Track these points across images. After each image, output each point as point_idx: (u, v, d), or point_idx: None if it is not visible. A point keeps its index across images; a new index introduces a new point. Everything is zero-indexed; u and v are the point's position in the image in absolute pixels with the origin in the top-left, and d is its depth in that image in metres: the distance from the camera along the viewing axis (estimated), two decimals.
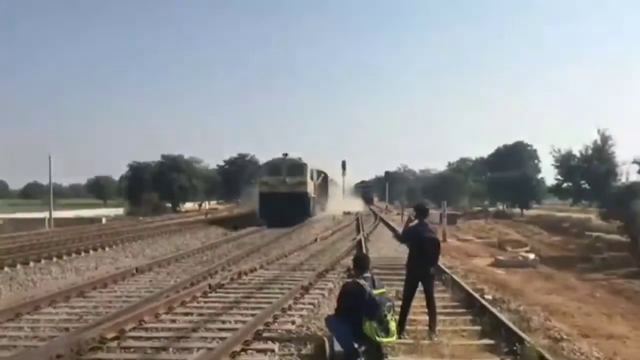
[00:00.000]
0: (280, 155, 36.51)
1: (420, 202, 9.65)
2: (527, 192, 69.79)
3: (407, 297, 8.68)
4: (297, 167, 35.98)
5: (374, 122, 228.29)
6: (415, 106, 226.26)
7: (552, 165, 52.60)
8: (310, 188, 37.43)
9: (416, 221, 8.77)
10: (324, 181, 46.17)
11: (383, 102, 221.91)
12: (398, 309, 8.13)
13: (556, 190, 54.59)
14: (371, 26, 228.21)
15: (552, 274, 22.56)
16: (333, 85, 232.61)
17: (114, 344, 7.87)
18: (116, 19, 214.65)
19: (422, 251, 8.50)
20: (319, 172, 42.89)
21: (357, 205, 58.27)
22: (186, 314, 9.79)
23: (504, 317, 9.15)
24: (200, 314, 9.76)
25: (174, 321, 9.27)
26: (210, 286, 12.13)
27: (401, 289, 11.49)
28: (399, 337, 7.70)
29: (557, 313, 12.47)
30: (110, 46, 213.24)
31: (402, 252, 20.71)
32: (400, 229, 30.46)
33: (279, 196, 33.90)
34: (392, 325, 6.88)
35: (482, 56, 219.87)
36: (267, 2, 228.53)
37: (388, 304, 6.93)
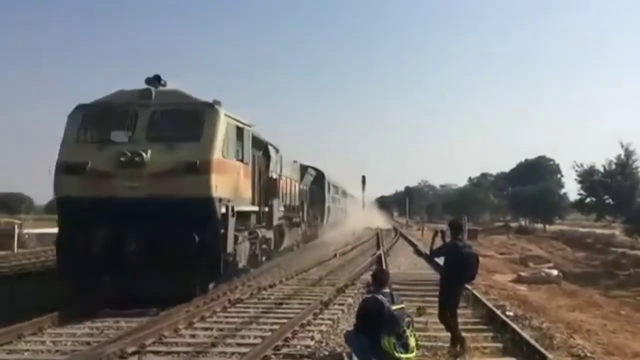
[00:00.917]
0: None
1: (454, 219, 9.68)
2: (549, 207, 69.07)
3: (453, 313, 8.64)
4: (192, 118, 12.19)
5: (394, 137, 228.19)
6: (436, 121, 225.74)
7: (575, 180, 52.09)
8: (253, 188, 14.91)
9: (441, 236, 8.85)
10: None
11: (403, 117, 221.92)
12: (418, 325, 8.08)
13: (579, 205, 54.00)
14: (384, 39, 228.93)
15: (575, 290, 22.20)
16: (354, 99, 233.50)
17: (135, 358, 7.91)
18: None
19: (462, 267, 8.46)
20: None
21: (377, 220, 58.07)
22: (206, 329, 9.82)
23: (526, 334, 9.02)
24: (220, 329, 9.78)
25: (193, 336, 9.30)
26: (229, 301, 12.16)
27: (422, 304, 11.50)
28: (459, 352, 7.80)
29: (581, 330, 12.22)
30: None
31: (421, 267, 20.63)
32: (420, 244, 30.38)
33: (116, 211, 11.30)
34: (412, 341, 6.83)
35: (507, 70, 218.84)
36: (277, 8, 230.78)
37: (407, 319, 6.89)
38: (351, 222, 47.42)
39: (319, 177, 33.51)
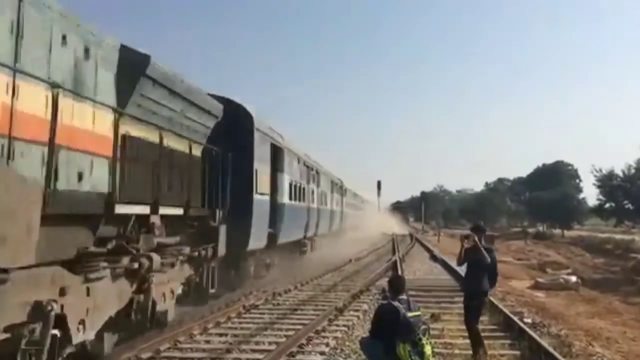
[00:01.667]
0: None
1: (477, 222, 9.55)
2: (567, 212, 68.32)
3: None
4: None
5: (410, 142, 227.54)
6: (452, 126, 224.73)
7: (594, 184, 51.49)
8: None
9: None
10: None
11: (416, 121, 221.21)
12: (434, 332, 8.00)
13: (598, 210, 53.36)
14: (397, 43, 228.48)
15: (594, 297, 21.88)
16: (369, 104, 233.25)
17: None
18: None
19: (481, 272, 8.37)
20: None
21: (393, 225, 57.82)
22: (220, 335, 9.80)
23: (544, 341, 8.88)
24: (235, 335, 9.76)
25: (208, 342, 9.29)
26: (244, 307, 12.15)
27: (438, 311, 11.40)
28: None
29: (600, 338, 12.01)
30: None
31: (437, 273, 20.48)
32: (436, 250, 30.19)
33: None
34: (428, 349, 6.73)
35: (525, 73, 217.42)
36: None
37: (423, 327, 6.80)
38: (366, 227, 47.21)
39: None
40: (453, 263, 16.45)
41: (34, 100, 5.25)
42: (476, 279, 8.33)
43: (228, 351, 8.60)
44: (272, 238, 16.11)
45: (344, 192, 36.70)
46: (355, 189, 44.65)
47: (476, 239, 8.32)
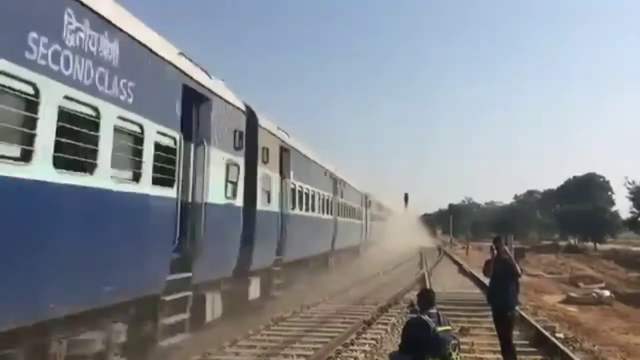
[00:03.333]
0: None
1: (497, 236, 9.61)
2: (600, 225, 66.96)
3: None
4: None
5: (438, 154, 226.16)
6: (480, 138, 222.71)
7: (627, 197, 50.45)
8: None
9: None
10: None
11: (446, 134, 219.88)
12: (463, 347, 7.90)
13: (631, 223, 52.22)
14: (424, 54, 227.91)
15: (629, 312, 21.33)
16: (397, 118, 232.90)
17: None
18: None
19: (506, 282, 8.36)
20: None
21: (420, 238, 57.37)
22: (249, 347, 9.85)
23: (577, 357, 8.72)
24: (263, 347, 9.80)
25: (237, 354, 9.35)
26: (273, 319, 12.19)
27: (467, 325, 11.31)
28: None
29: (635, 354, 11.73)
30: None
31: (467, 287, 20.25)
32: (465, 264, 29.87)
33: None
34: None
35: (555, 86, 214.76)
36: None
37: (453, 341, 6.74)
38: (392, 240, 46.94)
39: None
40: (481, 276, 16.27)
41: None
42: (503, 290, 8.33)
43: None
44: None
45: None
46: (381, 201, 44.45)
47: (493, 248, 8.48)
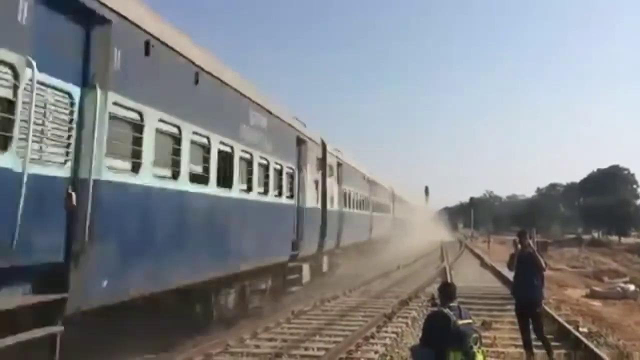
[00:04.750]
0: None
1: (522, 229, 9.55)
2: (624, 218, 65.96)
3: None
4: None
5: (458, 147, 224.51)
6: (502, 130, 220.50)
7: None
8: None
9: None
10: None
11: (465, 126, 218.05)
12: (486, 341, 7.86)
13: None
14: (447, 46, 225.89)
15: None
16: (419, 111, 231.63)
17: None
18: None
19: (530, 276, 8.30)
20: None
21: (441, 232, 57.04)
22: (270, 339, 9.88)
23: (601, 352, 8.59)
24: (284, 340, 9.82)
25: (257, 346, 9.38)
26: (293, 312, 12.22)
27: (488, 319, 11.22)
28: None
29: None
30: None
31: (488, 280, 20.08)
32: (486, 257, 29.64)
33: None
34: (480, 358, 6.61)
35: (579, 78, 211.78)
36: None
37: (474, 335, 6.67)
38: (414, 233, 46.80)
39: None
40: (505, 270, 16.13)
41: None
42: (528, 285, 8.23)
43: (277, 356, 8.68)
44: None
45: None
46: (402, 194, 44.43)
47: (517, 242, 8.55)
